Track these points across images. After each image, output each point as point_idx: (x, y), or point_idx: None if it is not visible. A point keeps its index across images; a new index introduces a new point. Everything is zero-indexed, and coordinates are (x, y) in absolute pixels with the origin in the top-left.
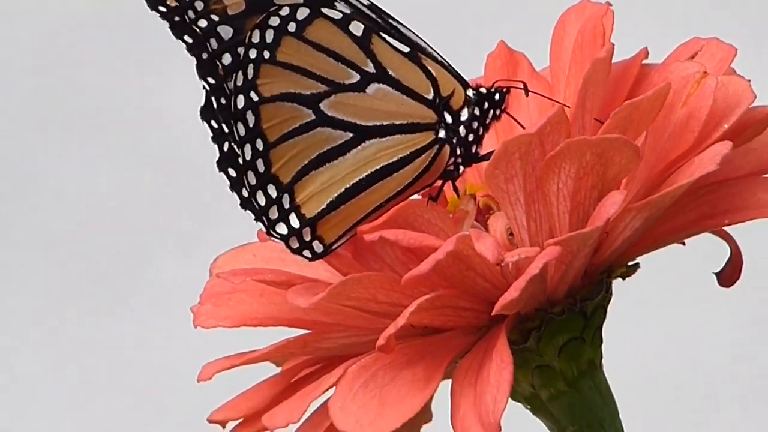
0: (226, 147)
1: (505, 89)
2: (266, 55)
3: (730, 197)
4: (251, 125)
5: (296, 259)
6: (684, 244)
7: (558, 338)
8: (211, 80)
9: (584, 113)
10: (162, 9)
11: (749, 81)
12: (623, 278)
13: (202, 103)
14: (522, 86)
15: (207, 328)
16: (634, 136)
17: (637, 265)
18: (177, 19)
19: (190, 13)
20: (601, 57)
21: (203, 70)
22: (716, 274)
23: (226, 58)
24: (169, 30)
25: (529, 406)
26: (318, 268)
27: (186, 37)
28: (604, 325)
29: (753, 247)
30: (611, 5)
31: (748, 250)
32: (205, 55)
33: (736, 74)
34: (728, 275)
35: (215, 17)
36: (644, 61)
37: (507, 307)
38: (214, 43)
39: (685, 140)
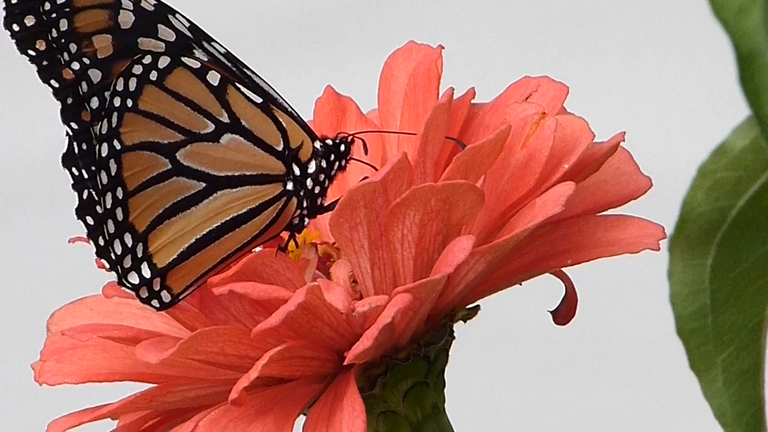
0: (85, 194)
1: (349, 139)
2: (129, 103)
3: (570, 237)
4: (113, 173)
5: (132, 312)
6: (521, 284)
7: (402, 384)
8: (74, 125)
9: (425, 159)
10: (31, 53)
11: (586, 121)
12: (464, 321)
13: (65, 150)
14: (357, 136)
15: (52, 384)
16: (475, 179)
17: (477, 308)
18: (45, 63)
19: (65, 56)
20: (442, 103)
21: (67, 115)
22: (551, 312)
23: (94, 102)
24: (36, 74)
25: None
26: (155, 321)
27: (53, 82)
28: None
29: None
30: (443, 47)
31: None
32: (70, 100)
33: (570, 113)
34: (564, 313)
35: (86, 60)
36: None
37: (359, 356)
38: (84, 86)
39: (526, 182)
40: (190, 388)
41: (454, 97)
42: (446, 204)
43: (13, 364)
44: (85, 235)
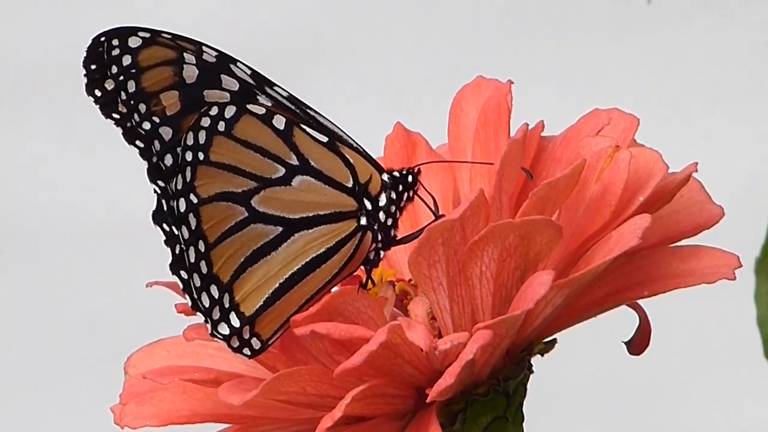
0: (177, 249)
1: (416, 169)
2: (201, 156)
3: (645, 268)
4: (193, 227)
5: (209, 353)
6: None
7: (482, 419)
8: (161, 183)
9: (501, 195)
10: (115, 116)
11: (659, 152)
12: (542, 355)
13: (154, 207)
14: (417, 169)
15: (134, 428)
16: (550, 213)
17: (554, 341)
18: (129, 125)
19: (136, 117)
20: (517, 138)
21: (153, 174)
22: (626, 343)
23: (168, 159)
24: (122, 137)
25: None
26: (232, 362)
27: (137, 142)
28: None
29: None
30: (513, 83)
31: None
32: (154, 159)
33: (641, 145)
34: (638, 343)
35: (156, 119)
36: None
37: (442, 393)
38: (157, 144)
39: (601, 215)
40: (271, 428)
41: None
42: (524, 239)
43: (89, 407)
44: (180, 289)
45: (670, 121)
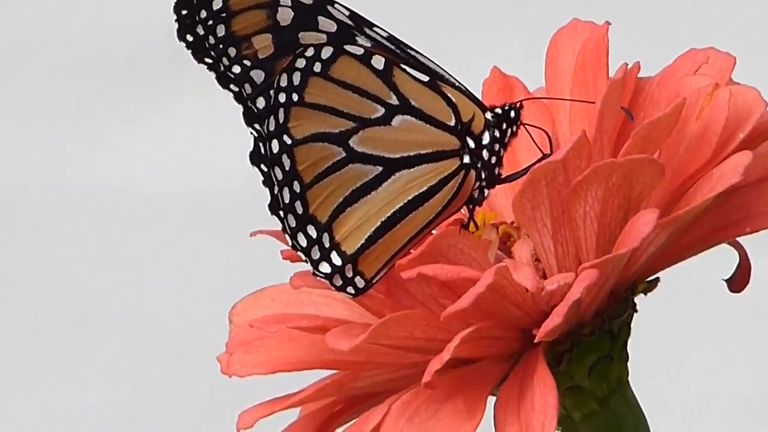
0: (275, 190)
1: (518, 104)
2: (295, 97)
3: (746, 205)
4: (287, 168)
5: (314, 300)
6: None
7: (587, 359)
8: (257, 126)
9: (602, 135)
10: (208, 61)
11: (757, 90)
12: (645, 294)
13: (251, 149)
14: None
15: (242, 376)
16: (652, 153)
17: (657, 280)
18: (222, 69)
19: (225, 61)
20: (617, 78)
21: (249, 118)
22: (726, 280)
23: (260, 102)
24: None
25: (560, 428)
26: (337, 308)
27: (232, 86)
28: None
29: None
30: (610, 24)
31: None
32: (249, 103)
33: (738, 83)
34: (738, 281)
35: (247, 62)
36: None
37: (549, 334)
38: (248, 88)
39: (702, 154)
40: (378, 372)
41: None
42: (627, 179)
43: (193, 357)
44: (279, 230)
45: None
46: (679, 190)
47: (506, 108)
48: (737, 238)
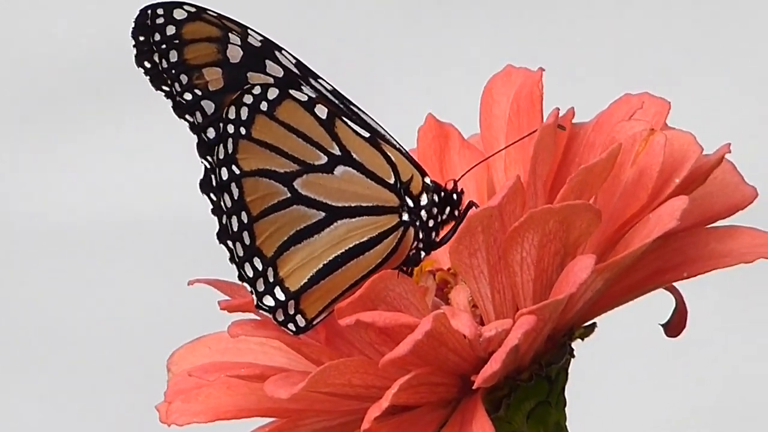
0: (223, 220)
1: (459, 189)
2: (243, 131)
3: (683, 250)
4: (236, 197)
5: (251, 348)
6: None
7: (526, 404)
8: (209, 158)
9: (536, 180)
10: (165, 89)
11: (693, 135)
12: (582, 339)
13: (201, 177)
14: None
15: (181, 425)
16: (588, 198)
17: (594, 325)
18: (177, 99)
19: (177, 87)
20: (549, 123)
21: (202, 149)
22: (663, 325)
23: (210, 132)
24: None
25: None
26: (274, 356)
27: (188, 116)
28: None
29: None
30: (544, 70)
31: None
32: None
33: (673, 128)
34: (675, 325)
35: (198, 92)
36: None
37: (488, 380)
38: (199, 116)
39: (638, 198)
40: (317, 420)
41: None
42: (564, 225)
43: (132, 407)
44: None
45: (699, 103)
46: (615, 236)
47: (449, 190)
48: (674, 283)
